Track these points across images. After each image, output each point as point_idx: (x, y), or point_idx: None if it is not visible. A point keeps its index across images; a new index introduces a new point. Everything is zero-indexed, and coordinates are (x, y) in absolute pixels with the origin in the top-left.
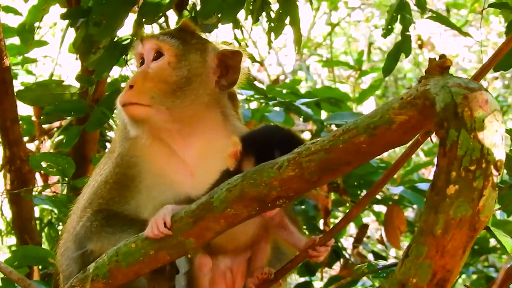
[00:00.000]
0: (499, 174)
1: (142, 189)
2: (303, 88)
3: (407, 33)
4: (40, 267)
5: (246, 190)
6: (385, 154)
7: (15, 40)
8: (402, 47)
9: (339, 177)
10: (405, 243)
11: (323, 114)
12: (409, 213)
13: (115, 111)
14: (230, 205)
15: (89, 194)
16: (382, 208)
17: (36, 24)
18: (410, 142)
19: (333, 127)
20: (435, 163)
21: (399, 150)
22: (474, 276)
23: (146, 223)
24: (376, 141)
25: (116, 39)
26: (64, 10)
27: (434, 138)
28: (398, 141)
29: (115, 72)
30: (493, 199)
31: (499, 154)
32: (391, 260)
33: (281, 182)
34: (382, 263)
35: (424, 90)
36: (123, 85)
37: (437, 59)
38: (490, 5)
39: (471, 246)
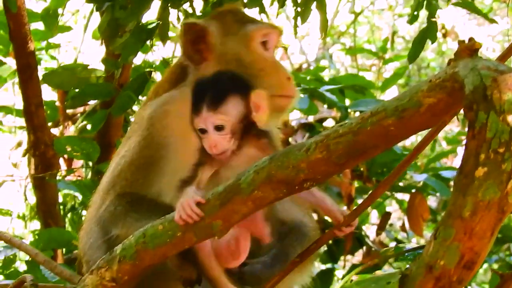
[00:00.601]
0: None
1: (167, 172)
2: (326, 76)
3: (433, 19)
4: (64, 252)
5: (274, 173)
6: (407, 143)
7: (39, 26)
8: (428, 33)
9: (365, 162)
10: (427, 232)
11: (347, 102)
12: (432, 202)
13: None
14: (257, 188)
15: (111, 176)
16: (405, 197)
17: (60, 11)
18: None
19: (357, 114)
20: (457, 152)
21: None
22: (496, 265)
23: (170, 207)
24: (404, 123)
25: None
26: None
27: (457, 127)
28: (426, 124)
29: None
30: None
31: None
32: None
33: (309, 164)
34: (409, 245)
35: (453, 73)
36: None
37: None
38: None
39: (499, 228)
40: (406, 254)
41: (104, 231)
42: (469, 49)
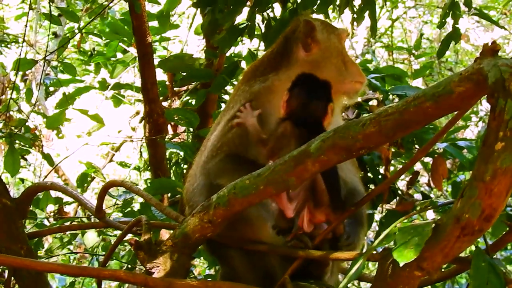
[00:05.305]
0: None
1: None
2: (370, 67)
3: (457, 25)
4: (169, 196)
5: (337, 141)
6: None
7: (155, 23)
8: (453, 35)
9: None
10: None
11: (387, 87)
12: (447, 164)
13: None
14: (323, 153)
15: (219, 139)
16: (427, 161)
17: (171, 13)
18: None
19: (395, 96)
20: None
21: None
22: None
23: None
24: (439, 106)
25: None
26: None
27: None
28: (457, 107)
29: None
30: None
31: None
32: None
33: (364, 136)
34: (441, 201)
35: (479, 68)
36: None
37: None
38: None
39: None
40: (439, 208)
41: (209, 181)
42: (492, 50)
